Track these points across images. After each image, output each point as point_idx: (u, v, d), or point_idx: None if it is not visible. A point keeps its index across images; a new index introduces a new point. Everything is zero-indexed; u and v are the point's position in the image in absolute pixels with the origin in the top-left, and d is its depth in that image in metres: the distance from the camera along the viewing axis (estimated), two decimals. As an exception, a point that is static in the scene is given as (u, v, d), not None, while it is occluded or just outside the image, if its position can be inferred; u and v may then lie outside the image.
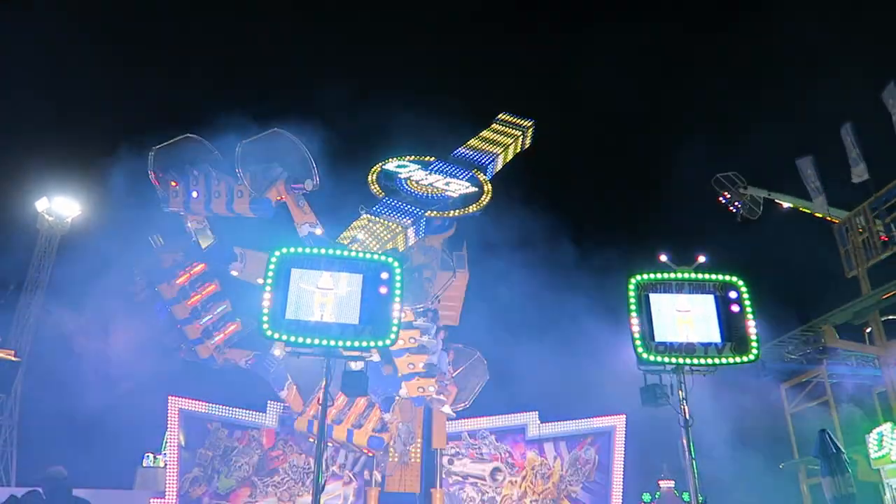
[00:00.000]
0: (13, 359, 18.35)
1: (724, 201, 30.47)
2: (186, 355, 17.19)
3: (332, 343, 8.64)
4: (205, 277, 17.19)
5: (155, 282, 16.72)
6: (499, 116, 23.92)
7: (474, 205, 19.93)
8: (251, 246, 16.84)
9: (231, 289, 17.52)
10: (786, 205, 29.27)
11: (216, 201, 16.70)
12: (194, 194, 16.59)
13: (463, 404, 18.82)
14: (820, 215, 26.38)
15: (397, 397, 16.87)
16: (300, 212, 16.75)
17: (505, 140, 22.89)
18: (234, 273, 16.75)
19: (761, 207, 29.99)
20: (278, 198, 16.77)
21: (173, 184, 16.46)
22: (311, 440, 17.11)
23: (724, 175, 30.51)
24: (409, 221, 18.12)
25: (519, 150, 23.97)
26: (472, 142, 22.52)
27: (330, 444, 16.86)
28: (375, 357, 16.12)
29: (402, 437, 16.72)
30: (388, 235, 17.35)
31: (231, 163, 16.32)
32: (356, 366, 9.24)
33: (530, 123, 24.05)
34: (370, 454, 17.18)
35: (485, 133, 23.07)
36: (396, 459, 17.46)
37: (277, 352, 16.28)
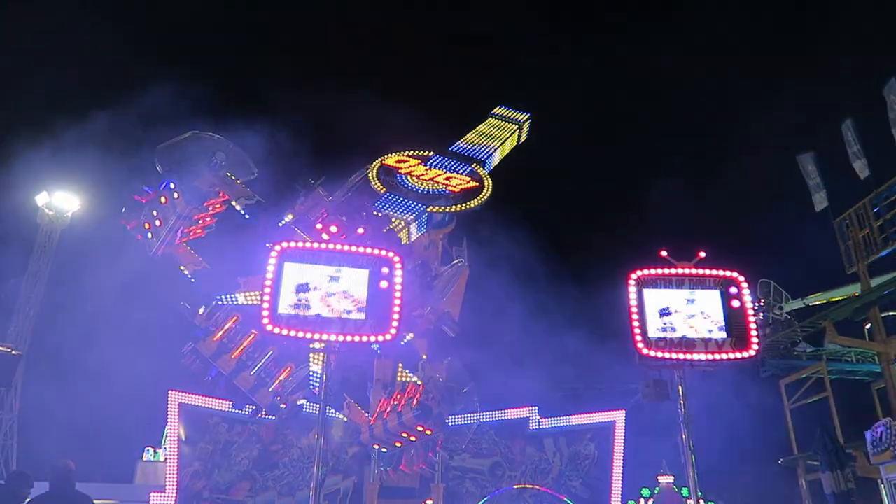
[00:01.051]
0: (13, 352, 18.34)
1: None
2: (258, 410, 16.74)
3: (333, 338, 8.64)
4: (241, 328, 16.55)
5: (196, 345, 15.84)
6: (494, 110, 23.88)
7: (475, 200, 19.94)
8: (252, 273, 16.40)
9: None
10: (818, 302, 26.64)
11: (174, 220, 15.84)
12: (157, 223, 15.74)
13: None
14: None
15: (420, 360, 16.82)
16: (235, 190, 15.95)
17: (502, 134, 22.89)
18: (241, 300, 16.31)
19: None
20: (210, 186, 15.82)
21: (147, 225, 15.91)
22: (385, 449, 17.00)
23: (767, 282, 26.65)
24: (412, 217, 18.12)
25: (515, 144, 23.96)
26: (470, 136, 22.51)
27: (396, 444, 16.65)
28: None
29: (445, 396, 16.12)
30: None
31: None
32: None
33: (526, 117, 24.02)
34: (428, 432, 16.21)
35: (481, 127, 23.06)
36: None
37: (314, 366, 16.06)
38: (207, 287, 16.34)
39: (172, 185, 15.24)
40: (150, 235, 15.85)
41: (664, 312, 8.97)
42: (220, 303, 16.17)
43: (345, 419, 17.52)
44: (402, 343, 16.02)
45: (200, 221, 15.99)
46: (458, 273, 18.72)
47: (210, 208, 15.90)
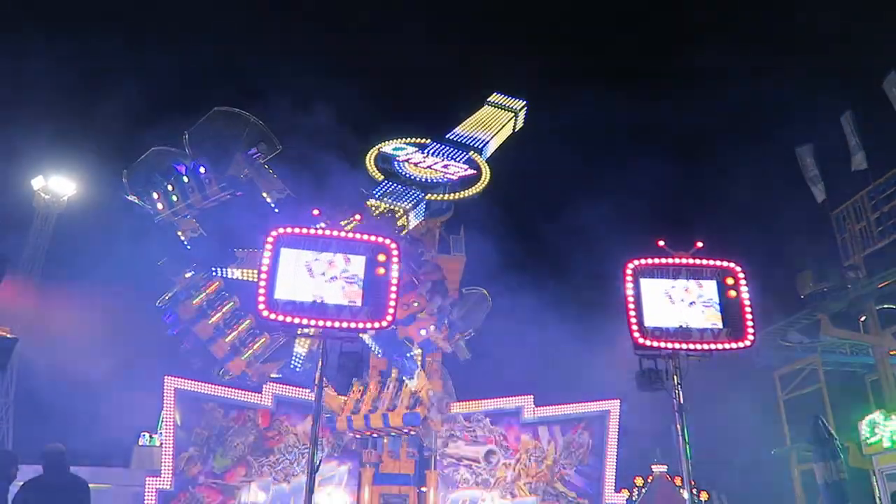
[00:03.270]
0: (9, 336, 18.28)
1: None
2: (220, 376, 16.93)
3: (329, 324, 8.63)
4: (220, 294, 16.75)
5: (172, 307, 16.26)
6: (490, 98, 23.73)
7: (473, 188, 19.89)
8: (250, 245, 16.51)
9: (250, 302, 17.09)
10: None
11: (193, 196, 16.26)
12: (174, 198, 16.16)
13: (462, 334, 18.62)
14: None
15: (417, 366, 16.96)
16: (265, 181, 16.25)
17: (498, 121, 22.77)
18: (238, 275, 16.43)
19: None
20: (244, 172, 16.24)
21: (156, 195, 16.11)
22: (359, 435, 17.17)
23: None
24: (410, 205, 18.05)
25: (512, 131, 23.84)
26: (466, 123, 22.39)
27: (374, 435, 16.86)
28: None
29: (435, 405, 16.58)
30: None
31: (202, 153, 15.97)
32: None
33: (522, 104, 23.88)
34: (413, 432, 17.11)
35: (477, 114, 22.92)
36: (442, 429, 17.64)
37: (299, 348, 16.15)
38: (204, 255, 16.46)
39: (203, 170, 15.43)
40: (159, 206, 16.01)
41: (661, 302, 8.97)
42: (214, 274, 16.36)
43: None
44: (407, 356, 16.45)
45: (219, 200, 16.26)
46: (480, 302, 19.03)
47: (237, 193, 16.19)
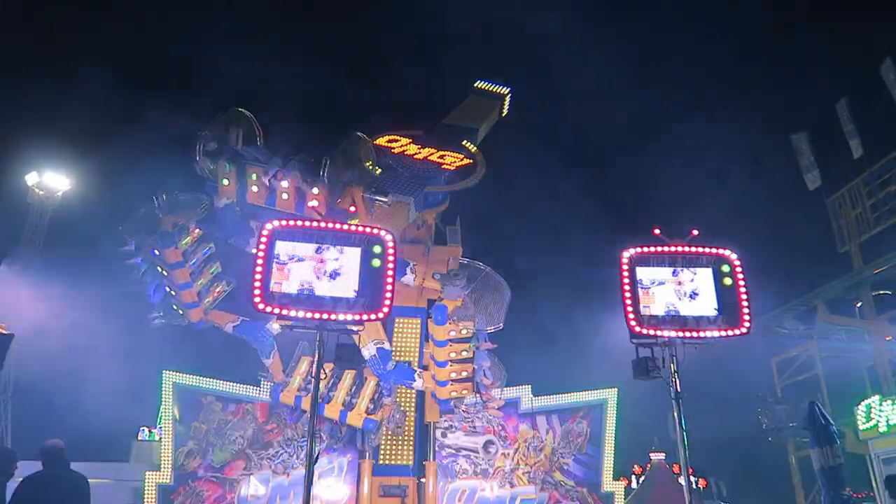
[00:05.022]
0: (5, 332, 18.23)
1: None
2: (166, 319, 16.62)
3: (325, 316, 8.62)
4: (201, 240, 16.31)
5: (152, 245, 15.39)
6: (475, 86, 23.66)
7: (471, 177, 19.82)
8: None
9: (221, 251, 16.87)
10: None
11: (282, 200, 15.31)
12: (254, 188, 15.29)
13: (494, 327, 18.15)
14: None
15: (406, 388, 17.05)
16: (368, 220, 15.49)
17: (485, 109, 22.71)
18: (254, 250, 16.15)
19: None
20: (351, 207, 15.19)
21: (225, 182, 15.28)
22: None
23: None
24: (411, 198, 17.96)
25: (497, 119, 23.77)
26: (454, 113, 22.31)
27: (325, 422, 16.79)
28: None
29: (395, 418, 16.63)
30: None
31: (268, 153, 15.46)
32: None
33: (507, 91, 23.82)
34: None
35: (464, 104, 22.86)
36: (389, 434, 17.49)
37: (276, 326, 16.10)
38: (226, 221, 16.08)
39: (156, 252, 15.32)
40: (180, 312, 16.14)
41: (657, 290, 8.98)
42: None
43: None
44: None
45: (195, 258, 16.01)
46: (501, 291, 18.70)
47: (188, 239, 15.78)
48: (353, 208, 14.94)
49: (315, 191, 15.10)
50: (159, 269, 15.89)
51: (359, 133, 16.52)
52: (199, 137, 15.23)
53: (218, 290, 16.71)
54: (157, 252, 15.35)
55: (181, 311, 16.27)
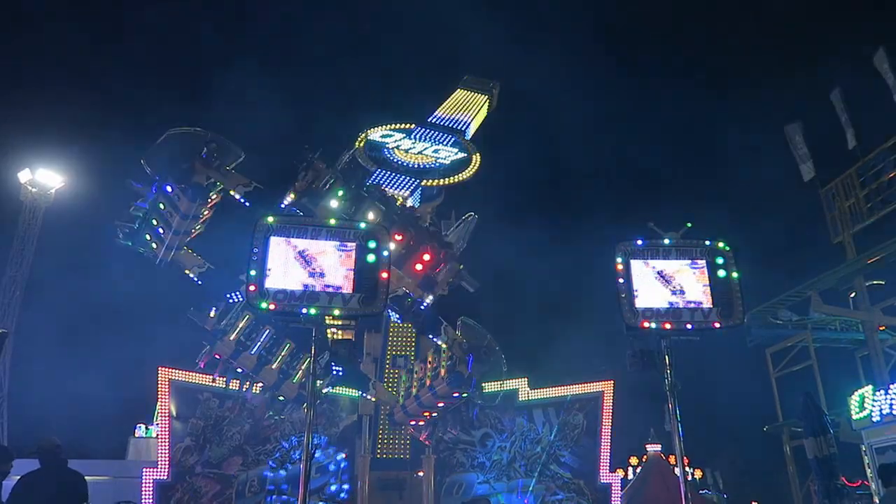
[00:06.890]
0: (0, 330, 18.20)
1: None
2: (133, 243, 16.03)
3: (321, 312, 8.60)
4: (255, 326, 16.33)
5: (178, 177, 14.64)
6: (464, 78, 23.67)
7: (466, 171, 19.83)
8: None
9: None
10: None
11: (174, 220, 15.22)
12: (161, 231, 15.24)
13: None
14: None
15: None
16: (230, 179, 15.05)
17: (475, 103, 22.73)
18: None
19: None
20: (207, 179, 14.95)
21: (148, 237, 15.39)
22: (422, 422, 16.93)
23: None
24: (407, 192, 17.96)
25: (486, 111, 23.78)
26: (445, 105, 22.32)
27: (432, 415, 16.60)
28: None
29: (472, 357, 15.32)
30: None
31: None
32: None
33: (495, 84, 23.85)
34: (465, 395, 15.99)
35: (454, 96, 22.87)
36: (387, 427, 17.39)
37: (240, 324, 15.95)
38: (216, 287, 16.02)
39: (170, 189, 14.78)
40: (153, 246, 15.46)
41: (651, 283, 9.00)
42: (231, 301, 16.01)
43: (374, 399, 17.45)
44: (423, 308, 15.33)
45: (202, 217, 15.63)
46: (469, 227, 18.08)
47: (210, 201, 15.45)
48: (209, 179, 14.79)
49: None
50: (154, 221, 15.30)
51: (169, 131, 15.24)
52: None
53: (306, 361, 16.26)
54: (170, 189, 14.65)
55: (154, 245, 15.62)
